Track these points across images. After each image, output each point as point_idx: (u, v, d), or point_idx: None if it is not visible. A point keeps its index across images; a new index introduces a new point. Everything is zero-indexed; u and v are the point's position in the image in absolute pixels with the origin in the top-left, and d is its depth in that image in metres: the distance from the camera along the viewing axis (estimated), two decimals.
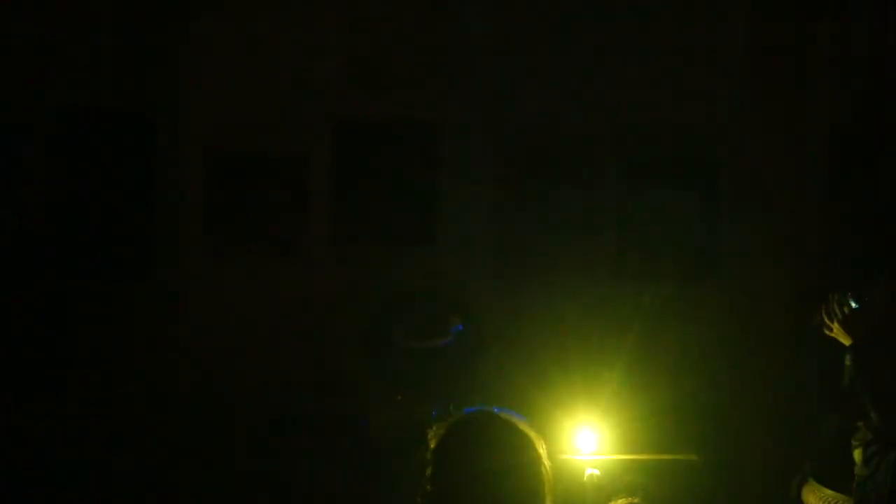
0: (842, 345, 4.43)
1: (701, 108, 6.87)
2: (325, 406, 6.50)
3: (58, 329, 6.58)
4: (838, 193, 6.72)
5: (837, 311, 4.41)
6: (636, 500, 3.25)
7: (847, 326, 4.38)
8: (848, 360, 4.37)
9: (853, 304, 4.42)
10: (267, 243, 6.83)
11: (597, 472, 3.60)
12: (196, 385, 6.59)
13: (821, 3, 6.63)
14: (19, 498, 6.02)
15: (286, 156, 6.82)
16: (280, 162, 6.83)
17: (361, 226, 6.85)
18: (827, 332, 4.45)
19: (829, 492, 4.58)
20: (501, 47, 6.85)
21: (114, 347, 6.62)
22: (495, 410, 2.73)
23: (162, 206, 6.78)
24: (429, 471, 2.57)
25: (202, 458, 6.44)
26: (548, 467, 2.65)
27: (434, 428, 2.62)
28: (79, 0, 6.68)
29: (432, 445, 2.59)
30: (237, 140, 6.79)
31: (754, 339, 6.69)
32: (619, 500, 3.25)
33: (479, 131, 6.84)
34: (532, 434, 2.68)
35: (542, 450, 2.67)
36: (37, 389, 6.46)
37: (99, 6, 6.68)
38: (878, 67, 6.42)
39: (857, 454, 4.42)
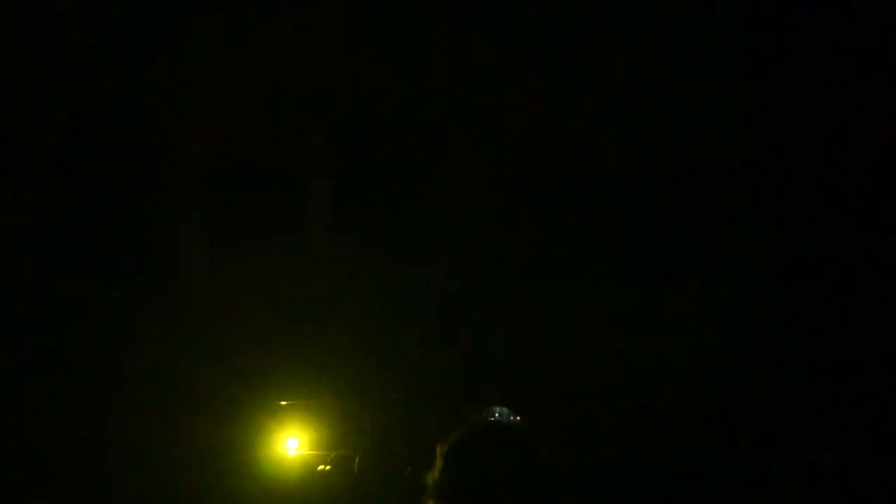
0: None
1: (700, 112, 6.87)
2: (323, 402, 6.50)
3: (58, 328, 6.59)
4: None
5: None
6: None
7: None
8: None
9: None
10: (266, 243, 6.83)
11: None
12: (196, 383, 6.60)
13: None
14: (19, 495, 6.03)
15: (286, 156, 6.83)
16: (280, 162, 6.84)
17: (361, 227, 6.85)
18: None
19: None
20: (502, 51, 6.85)
21: (114, 346, 6.63)
22: (497, 412, 2.75)
23: (162, 206, 6.79)
24: (441, 476, 2.60)
25: (201, 456, 6.45)
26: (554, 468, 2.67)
27: (448, 434, 2.65)
28: (80, 1, 6.69)
29: (445, 451, 2.62)
30: (237, 140, 6.80)
31: None
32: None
33: (479, 133, 6.84)
34: (537, 435, 2.70)
35: (548, 450, 2.69)
36: (37, 388, 6.48)
37: (100, 7, 6.70)
38: None
39: None
